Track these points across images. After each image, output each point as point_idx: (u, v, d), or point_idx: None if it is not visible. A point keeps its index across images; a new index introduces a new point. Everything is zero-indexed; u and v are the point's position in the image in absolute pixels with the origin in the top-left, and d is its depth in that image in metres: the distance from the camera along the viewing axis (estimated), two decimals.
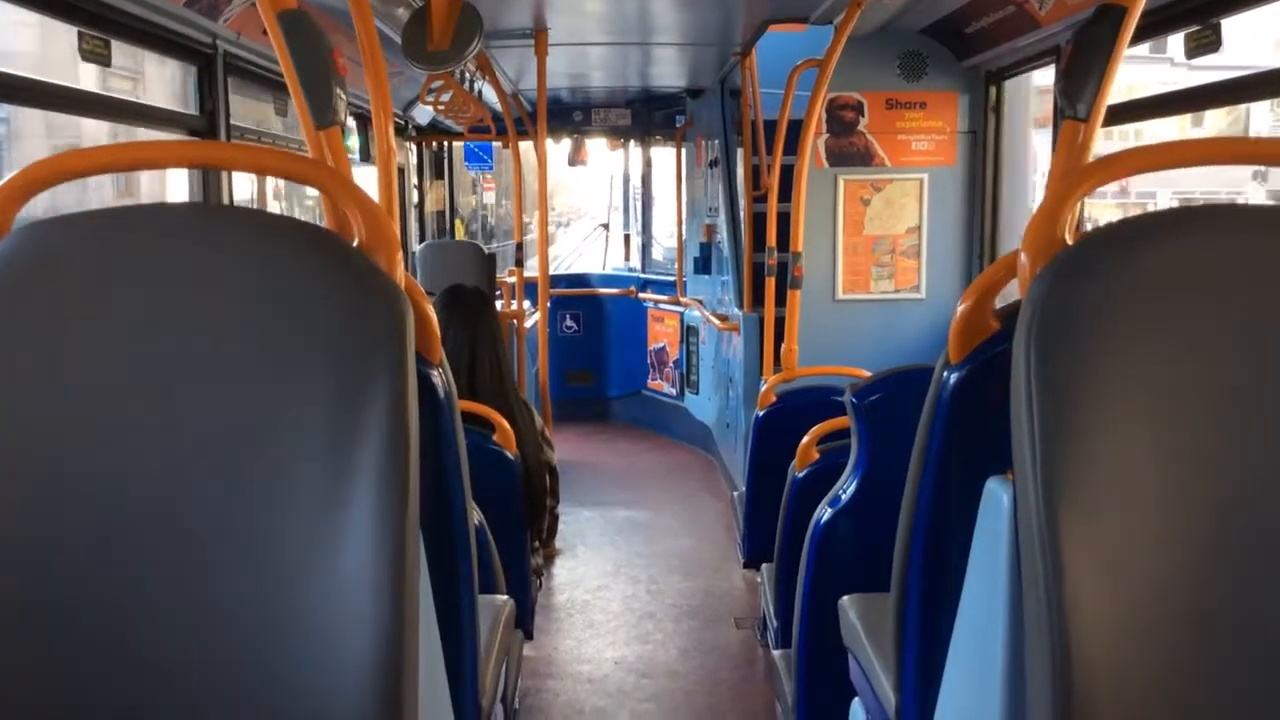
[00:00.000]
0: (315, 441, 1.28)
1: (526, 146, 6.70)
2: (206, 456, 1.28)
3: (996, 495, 1.39)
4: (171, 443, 1.28)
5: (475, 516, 2.17)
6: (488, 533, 2.65)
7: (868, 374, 2.94)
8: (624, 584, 5.02)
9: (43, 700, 1.26)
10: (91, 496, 1.27)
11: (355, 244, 1.43)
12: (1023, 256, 1.36)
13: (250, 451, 1.28)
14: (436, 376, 1.62)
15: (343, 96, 1.63)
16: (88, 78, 2.82)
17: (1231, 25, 2.85)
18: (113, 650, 1.26)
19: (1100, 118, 1.63)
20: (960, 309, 1.55)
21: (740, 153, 6.08)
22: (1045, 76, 4.48)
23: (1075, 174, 1.42)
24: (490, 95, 6.19)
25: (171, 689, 1.26)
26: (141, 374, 1.30)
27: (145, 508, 1.27)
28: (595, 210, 11.27)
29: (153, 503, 1.27)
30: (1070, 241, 1.33)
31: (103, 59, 2.70)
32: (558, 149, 8.65)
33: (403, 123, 6.92)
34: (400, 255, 1.45)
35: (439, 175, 8.41)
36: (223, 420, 1.29)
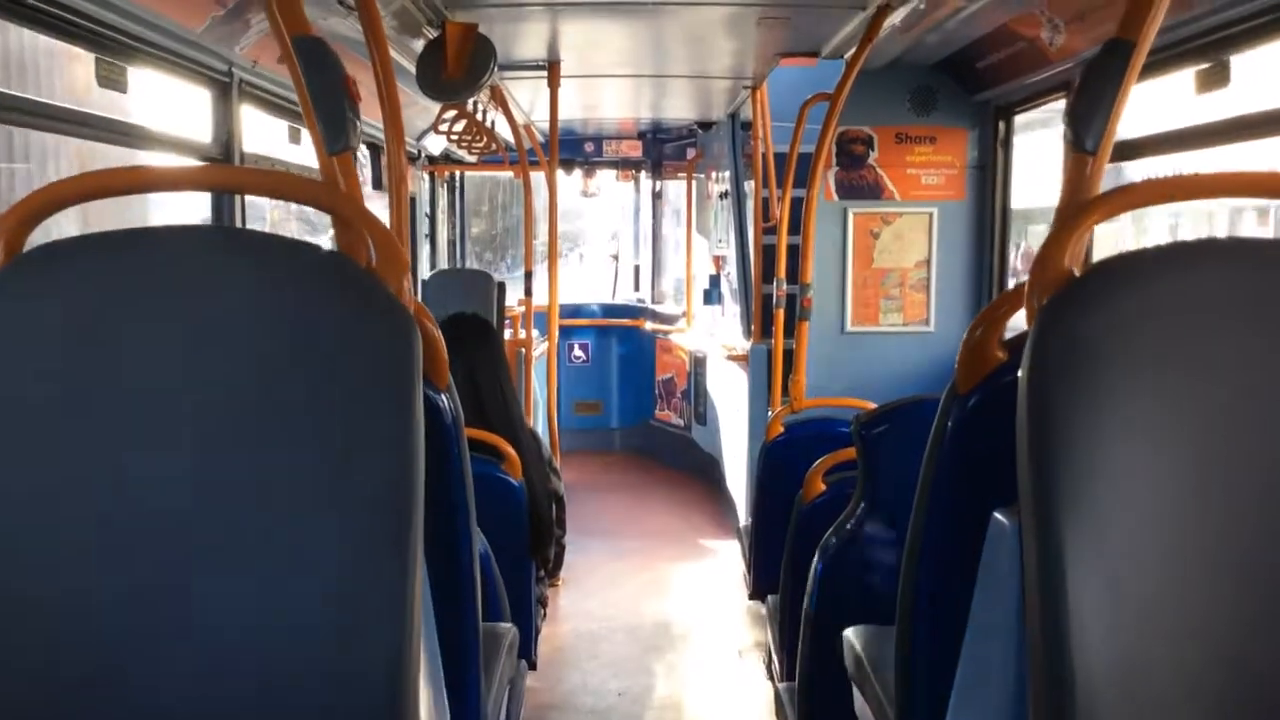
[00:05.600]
0: (321, 463, 1.28)
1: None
2: (212, 476, 1.29)
3: (1003, 527, 1.38)
4: (179, 460, 1.29)
5: (480, 544, 2.17)
6: (492, 560, 2.65)
7: (874, 406, 2.94)
8: (629, 615, 4.99)
9: (48, 690, 1.26)
10: (100, 505, 1.28)
11: (364, 267, 1.44)
12: (1030, 288, 1.37)
13: (255, 472, 1.29)
14: (444, 401, 1.62)
15: (356, 122, 1.65)
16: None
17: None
18: (113, 663, 1.26)
19: (1108, 152, 1.64)
20: (967, 339, 1.55)
21: (750, 185, 6.11)
22: None
23: (1082, 207, 1.42)
24: (503, 126, 6.23)
25: (173, 704, 1.26)
26: (151, 392, 1.30)
27: (151, 522, 1.28)
28: (601, 239, 11.23)
29: (158, 518, 1.28)
30: (1077, 273, 1.34)
31: (119, 85, 2.73)
32: (569, 179, 8.71)
33: (415, 152, 6.97)
34: (409, 279, 1.46)
35: (450, 205, 8.45)
36: (229, 439, 1.29)
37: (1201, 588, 1.19)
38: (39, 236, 1.43)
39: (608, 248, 10.07)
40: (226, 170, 2.99)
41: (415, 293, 6.51)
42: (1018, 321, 1.51)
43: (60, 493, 1.28)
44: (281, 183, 1.70)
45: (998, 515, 1.40)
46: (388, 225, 1.58)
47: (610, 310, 8.99)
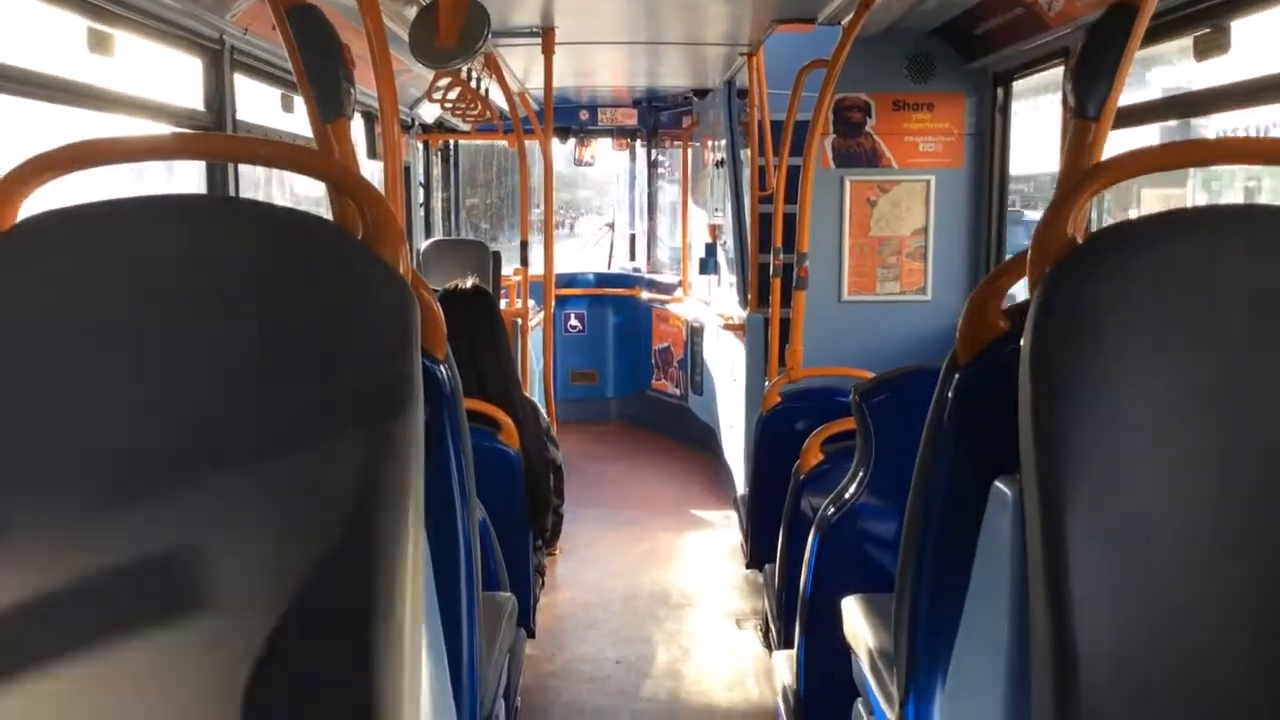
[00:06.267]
0: (318, 434, 1.27)
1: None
2: (207, 447, 1.28)
3: (1004, 496, 1.38)
4: (174, 430, 1.28)
5: (478, 513, 2.17)
6: (490, 530, 2.65)
7: (872, 375, 2.94)
8: (626, 583, 5.02)
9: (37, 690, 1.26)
10: (97, 480, 1.27)
11: (360, 237, 1.42)
12: (1032, 256, 1.36)
13: (251, 441, 1.28)
14: (442, 371, 1.61)
15: (350, 90, 1.63)
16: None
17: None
18: (124, 627, 1.26)
19: (1111, 118, 1.62)
20: (968, 309, 1.54)
21: (746, 153, 6.07)
22: None
23: (1084, 174, 1.41)
24: (497, 94, 6.19)
25: (171, 677, 1.26)
26: (146, 364, 1.30)
27: (147, 492, 1.27)
28: (605, 209, 11.12)
29: (154, 486, 1.27)
30: (1080, 241, 1.33)
31: (108, 51, 2.70)
32: (564, 147, 8.68)
33: (409, 121, 6.92)
34: (405, 248, 1.45)
35: (444, 174, 8.41)
36: (225, 409, 1.28)
37: (1204, 556, 1.20)
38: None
39: (608, 217, 9.99)
40: (219, 139, 2.96)
41: (411, 262, 6.46)
42: (1019, 292, 1.51)
43: (56, 468, 1.28)
44: (275, 151, 1.68)
45: (998, 484, 1.40)
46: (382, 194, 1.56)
47: (606, 280, 8.96)
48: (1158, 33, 3.07)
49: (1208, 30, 2.92)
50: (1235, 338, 1.23)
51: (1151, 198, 5.81)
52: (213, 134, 3.27)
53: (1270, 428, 1.21)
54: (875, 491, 2.62)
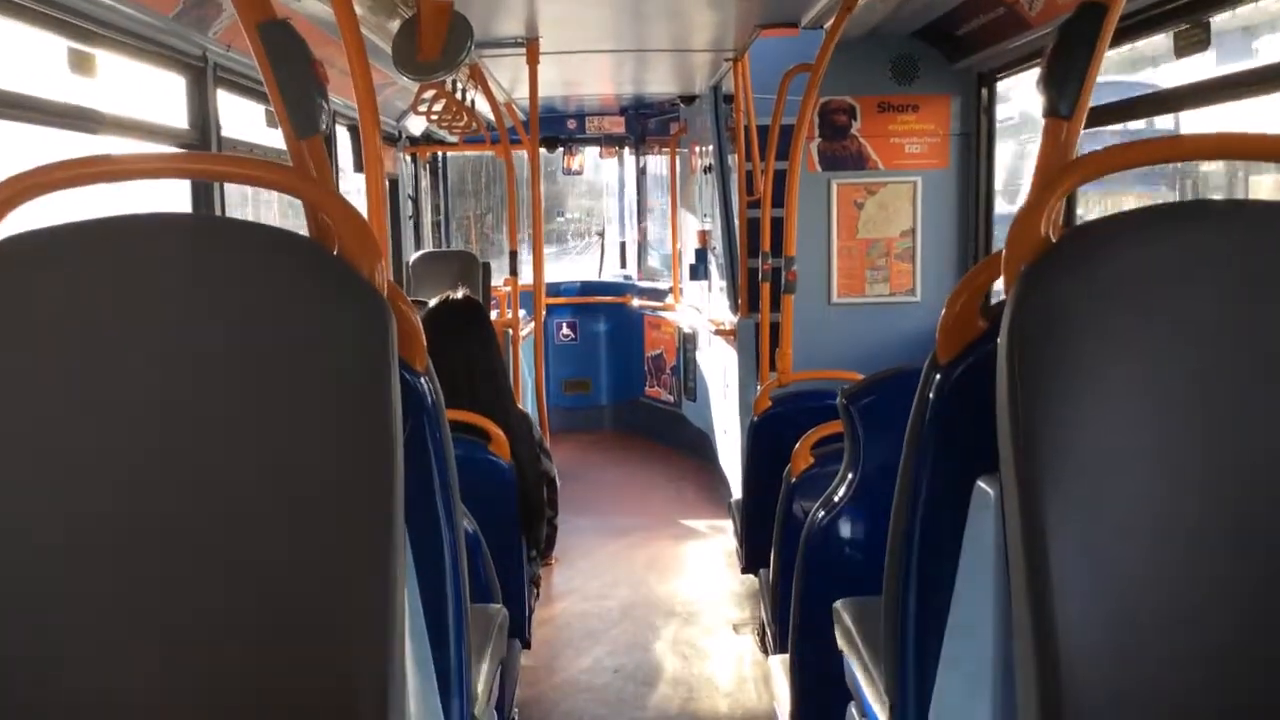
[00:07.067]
0: (297, 449, 1.28)
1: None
2: (187, 467, 1.28)
3: (986, 495, 1.39)
4: (153, 451, 1.28)
5: (468, 525, 2.17)
6: (481, 541, 2.64)
7: (862, 377, 2.94)
8: (623, 591, 5.01)
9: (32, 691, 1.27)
10: (74, 501, 1.27)
11: (337, 253, 1.43)
12: (1006, 255, 1.36)
13: (230, 461, 1.28)
14: (422, 384, 1.61)
15: (325, 106, 1.63)
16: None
17: None
18: (115, 642, 1.27)
19: (1084, 116, 1.62)
20: (948, 308, 1.54)
21: (734, 158, 6.08)
22: None
23: (1058, 172, 1.42)
24: (483, 104, 6.19)
25: (154, 692, 1.26)
26: (126, 386, 1.30)
27: (128, 514, 1.27)
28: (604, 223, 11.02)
29: (134, 509, 1.27)
30: (1054, 239, 1.33)
31: (89, 71, 2.70)
32: (552, 157, 8.68)
33: (396, 133, 6.92)
34: (383, 263, 1.45)
35: (433, 186, 8.41)
36: (205, 430, 1.29)
37: (1184, 551, 1.20)
38: None
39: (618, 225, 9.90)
40: (195, 157, 2.96)
41: (400, 276, 6.42)
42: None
43: (38, 490, 1.28)
44: (251, 169, 1.68)
45: (980, 483, 1.41)
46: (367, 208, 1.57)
47: (597, 288, 8.96)
48: (1134, 30, 3.08)
49: (1187, 26, 2.92)
50: (1209, 332, 1.23)
51: (1265, 184, 5.55)
52: (189, 153, 3.27)
53: (1247, 420, 1.22)
54: (864, 494, 2.62)
